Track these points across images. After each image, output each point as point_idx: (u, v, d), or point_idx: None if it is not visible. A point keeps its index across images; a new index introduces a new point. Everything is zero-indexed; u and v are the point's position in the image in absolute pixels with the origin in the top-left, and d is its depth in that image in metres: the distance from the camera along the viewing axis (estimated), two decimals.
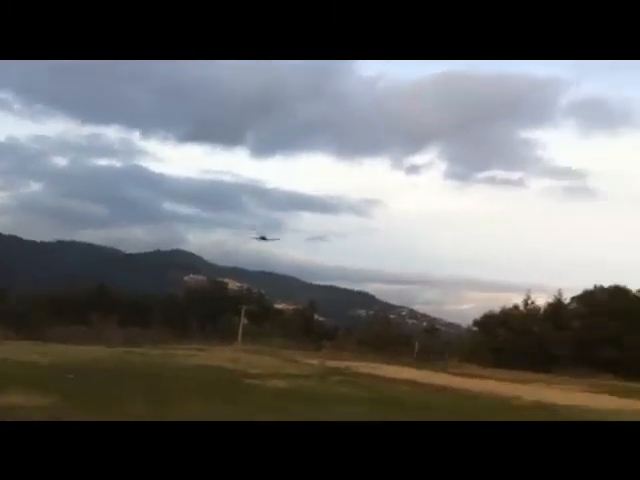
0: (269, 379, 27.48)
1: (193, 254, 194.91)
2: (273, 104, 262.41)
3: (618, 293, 67.99)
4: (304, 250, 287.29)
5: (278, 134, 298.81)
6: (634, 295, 68.01)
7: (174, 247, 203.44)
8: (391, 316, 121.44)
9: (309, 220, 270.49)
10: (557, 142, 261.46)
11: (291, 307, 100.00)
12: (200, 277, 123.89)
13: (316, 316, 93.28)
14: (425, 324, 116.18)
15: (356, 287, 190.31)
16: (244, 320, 69.72)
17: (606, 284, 69.82)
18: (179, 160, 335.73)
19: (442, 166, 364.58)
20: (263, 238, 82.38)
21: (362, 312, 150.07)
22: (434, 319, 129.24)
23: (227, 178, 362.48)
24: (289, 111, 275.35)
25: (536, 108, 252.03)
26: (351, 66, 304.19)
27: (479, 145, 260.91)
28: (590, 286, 70.65)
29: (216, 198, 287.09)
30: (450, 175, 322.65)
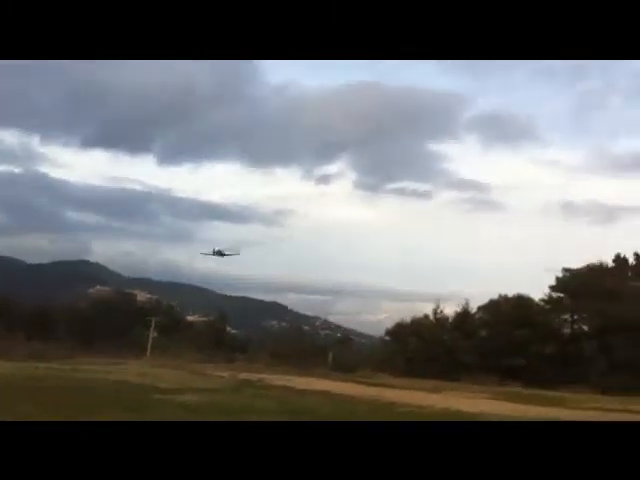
0: (178, 393, 26.67)
1: (99, 264, 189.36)
2: (181, 111, 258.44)
3: (522, 302, 70.43)
4: (216, 260, 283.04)
5: (187, 141, 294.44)
6: (537, 304, 70.66)
7: (79, 257, 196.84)
8: (305, 327, 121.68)
9: (220, 230, 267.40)
10: (463, 155, 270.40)
11: (202, 319, 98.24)
12: (106, 288, 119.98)
13: (228, 328, 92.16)
14: (339, 335, 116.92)
15: (269, 298, 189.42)
16: (153, 333, 68.07)
17: (510, 293, 72.30)
18: (82, 167, 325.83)
19: (352, 176, 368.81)
20: (220, 254, 76.66)
21: (275, 323, 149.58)
22: (348, 329, 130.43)
23: (134, 186, 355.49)
24: (198, 118, 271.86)
25: (443, 122, 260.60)
26: (261, 74, 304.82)
27: (389, 156, 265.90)
28: (495, 295, 72.97)
29: (123, 207, 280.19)
30: (360, 185, 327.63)
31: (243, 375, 41.75)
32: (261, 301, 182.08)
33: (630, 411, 31.29)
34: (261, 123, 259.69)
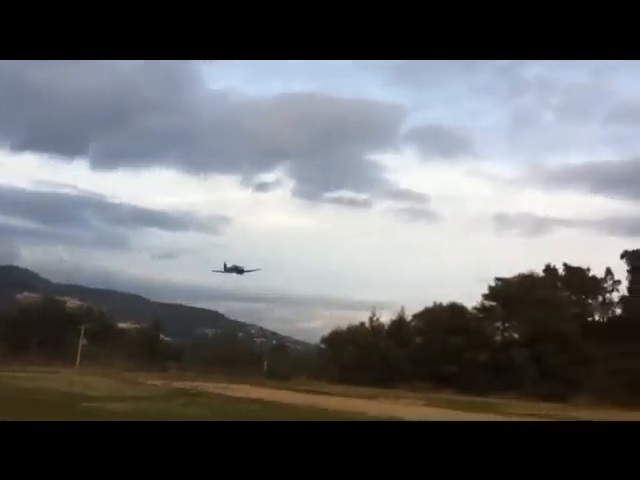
0: (109, 402, 25.86)
1: (29, 270, 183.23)
2: (118, 115, 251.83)
3: (456, 310, 71.59)
4: (151, 267, 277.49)
5: (123, 146, 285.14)
6: (470, 312, 71.91)
7: (8, 263, 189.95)
8: (240, 334, 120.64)
9: (156, 236, 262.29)
10: (401, 166, 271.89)
11: (135, 326, 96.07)
12: (35, 295, 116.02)
13: (162, 336, 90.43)
14: (274, 342, 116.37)
15: (205, 305, 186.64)
16: (83, 340, 66.26)
17: (445, 302, 73.35)
18: (13, 170, 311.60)
19: (291, 185, 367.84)
20: (237, 270, 68.69)
21: (210, 331, 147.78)
22: (284, 337, 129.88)
23: (67, 191, 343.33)
24: (135, 123, 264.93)
25: (383, 132, 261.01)
26: (202, 79, 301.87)
27: (327, 166, 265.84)
28: (430, 303, 73.92)
29: (55, 211, 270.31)
30: (298, 194, 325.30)
31: (177, 383, 40.93)
32: (196, 308, 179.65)
33: (559, 417, 32.10)
34: (200, 129, 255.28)
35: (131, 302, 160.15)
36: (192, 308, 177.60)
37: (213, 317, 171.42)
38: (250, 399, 31.56)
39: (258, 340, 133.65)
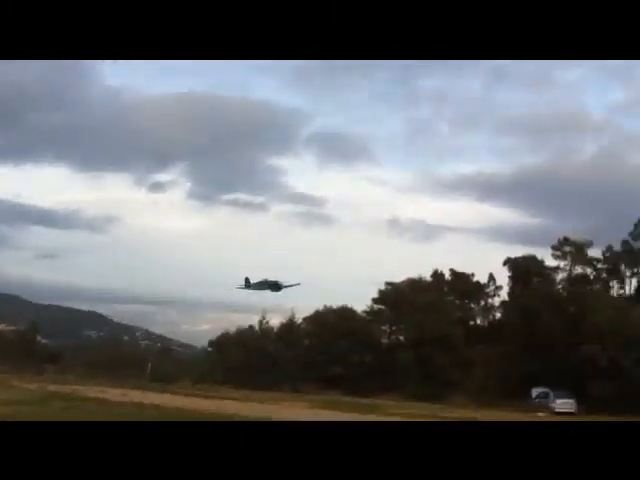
0: None
1: None
2: (4, 109, 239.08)
3: (345, 313, 72.49)
4: (31, 267, 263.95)
5: (9, 141, 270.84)
6: (359, 315, 72.98)
7: None
8: (125, 337, 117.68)
9: (39, 235, 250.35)
10: (299, 170, 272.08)
11: (10, 328, 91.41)
12: None
13: (39, 337, 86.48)
14: (160, 345, 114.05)
15: (88, 307, 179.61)
16: None
17: (336, 305, 74.00)
18: None
19: (186, 186, 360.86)
20: (273, 286, 56.28)
21: (93, 333, 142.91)
22: (170, 340, 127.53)
23: None
24: (22, 118, 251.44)
25: (280, 137, 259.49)
26: (97, 76, 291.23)
27: (224, 168, 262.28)
28: (320, 306, 74.39)
29: None
30: (194, 195, 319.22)
31: (54, 387, 38.97)
32: (79, 310, 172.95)
33: (438, 417, 33.03)
34: (93, 126, 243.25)
35: (8, 303, 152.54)
36: (76, 310, 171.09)
37: (97, 319, 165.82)
38: (131, 403, 30.54)
39: (143, 343, 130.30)
